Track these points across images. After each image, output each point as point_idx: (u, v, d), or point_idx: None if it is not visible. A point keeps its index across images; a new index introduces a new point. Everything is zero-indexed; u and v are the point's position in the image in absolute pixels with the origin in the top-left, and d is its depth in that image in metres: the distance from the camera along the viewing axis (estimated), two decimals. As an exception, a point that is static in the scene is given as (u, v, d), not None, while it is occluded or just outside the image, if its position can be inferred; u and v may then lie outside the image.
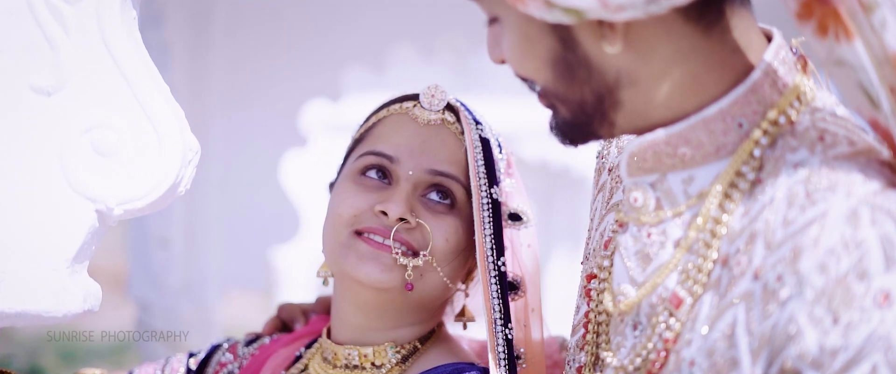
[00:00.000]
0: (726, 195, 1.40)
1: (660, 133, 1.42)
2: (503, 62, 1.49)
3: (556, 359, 2.02)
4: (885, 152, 1.36)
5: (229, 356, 2.06)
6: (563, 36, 1.39)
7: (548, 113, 1.52)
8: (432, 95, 1.90)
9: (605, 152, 1.76)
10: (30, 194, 1.52)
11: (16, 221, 1.51)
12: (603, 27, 1.36)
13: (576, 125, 1.45)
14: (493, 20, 1.47)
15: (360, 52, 3.69)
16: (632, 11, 1.30)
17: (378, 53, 3.69)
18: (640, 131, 1.45)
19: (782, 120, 1.40)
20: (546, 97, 1.47)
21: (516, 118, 5.33)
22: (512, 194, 1.89)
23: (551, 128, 1.50)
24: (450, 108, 1.90)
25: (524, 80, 1.47)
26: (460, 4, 3.64)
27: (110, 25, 1.52)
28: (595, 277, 1.60)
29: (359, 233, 1.83)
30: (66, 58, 1.52)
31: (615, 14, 1.30)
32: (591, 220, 1.74)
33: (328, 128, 5.03)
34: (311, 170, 5.01)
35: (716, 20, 1.38)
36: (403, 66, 3.88)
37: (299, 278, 6.16)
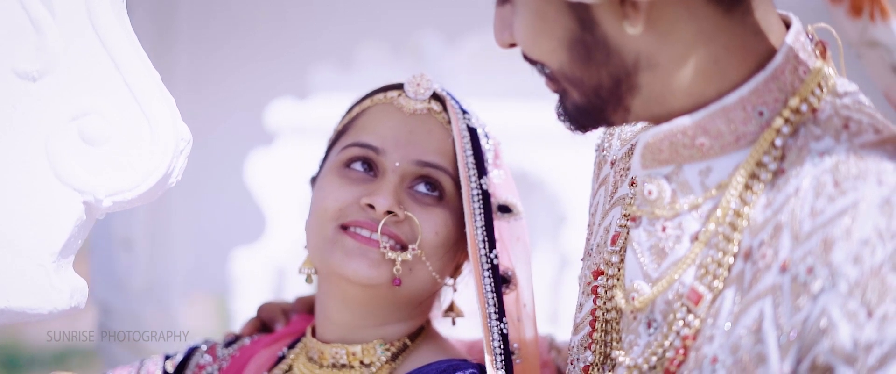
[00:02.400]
0: (747, 186, 1.39)
1: (677, 123, 1.40)
2: (512, 46, 1.47)
3: (544, 359, 2.03)
4: None
5: (208, 357, 2.03)
6: (582, 16, 1.37)
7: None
8: (418, 84, 1.89)
9: (606, 145, 1.75)
10: (14, 185, 1.48)
11: None
12: (625, 6, 1.35)
13: (588, 110, 1.44)
14: (504, 1, 1.46)
15: (328, 51, 3.67)
16: None
17: (346, 52, 3.67)
18: (655, 118, 1.43)
19: (804, 108, 1.39)
20: (556, 81, 1.45)
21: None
22: (501, 185, 1.89)
23: (559, 114, 1.48)
24: (436, 97, 1.89)
25: (533, 63, 1.45)
26: (430, 4, 3.65)
27: (99, 8, 1.48)
28: (602, 273, 1.59)
29: (344, 227, 1.82)
30: (52, 41, 1.48)
31: None
32: (592, 215, 1.72)
33: (295, 127, 5.02)
34: (277, 170, 5.01)
35: (738, 0, 1.37)
36: (371, 65, 3.88)
37: (264, 280, 6.13)
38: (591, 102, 1.43)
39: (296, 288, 7.22)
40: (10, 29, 1.48)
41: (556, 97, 1.48)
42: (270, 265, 6.29)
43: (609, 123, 1.46)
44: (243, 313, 6.79)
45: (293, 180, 5.35)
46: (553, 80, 1.45)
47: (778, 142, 1.38)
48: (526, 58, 1.45)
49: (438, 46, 3.88)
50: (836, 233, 1.28)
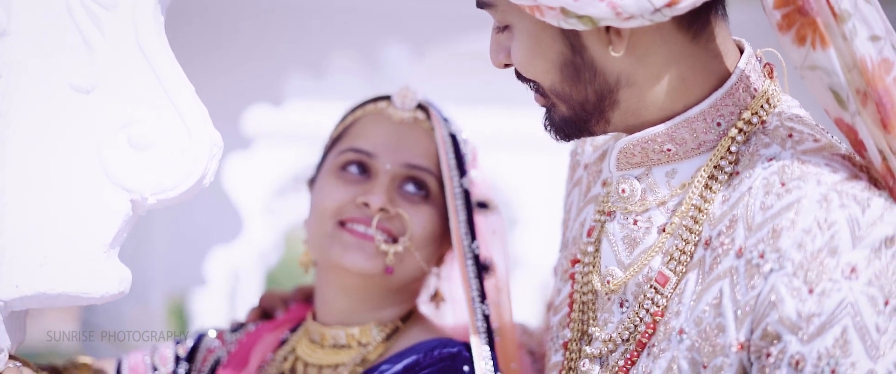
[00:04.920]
0: (707, 186, 1.55)
1: (649, 132, 1.57)
2: (506, 66, 1.62)
3: (519, 341, 2.16)
4: (844, 147, 1.54)
5: (217, 342, 2.17)
6: (573, 41, 1.53)
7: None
8: (404, 96, 2.05)
9: (579, 151, 1.91)
10: (70, 185, 1.58)
11: (57, 209, 1.58)
12: (610, 34, 1.50)
13: (574, 122, 1.59)
14: (502, 28, 1.60)
15: (302, 60, 3.77)
16: (640, 20, 1.44)
17: (318, 61, 3.77)
18: (630, 129, 1.59)
19: (755, 120, 1.56)
20: (546, 97, 1.60)
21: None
22: (479, 184, 2.05)
23: (546, 125, 1.64)
24: (420, 107, 2.06)
25: (525, 81, 1.61)
26: (399, 15, 3.78)
27: (144, 29, 1.60)
28: (578, 261, 1.75)
29: (342, 223, 1.97)
30: (102, 59, 1.60)
31: (625, 22, 1.45)
32: (567, 212, 1.90)
33: (270, 132, 5.05)
34: (253, 173, 5.05)
35: (702, 29, 1.54)
36: (343, 73, 3.97)
37: (221, 281, 6.17)
38: (578, 115, 1.58)
39: (252, 289, 7.24)
40: (67, 48, 1.59)
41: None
42: (226, 268, 6.32)
43: (591, 133, 1.61)
44: (202, 313, 6.83)
45: (268, 183, 5.43)
46: (543, 95, 1.60)
47: (733, 148, 1.55)
48: (519, 76, 1.60)
49: (404, 56, 4.00)
50: (783, 224, 1.44)
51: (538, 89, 1.60)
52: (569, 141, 1.65)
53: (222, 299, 6.82)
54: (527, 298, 6.51)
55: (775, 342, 1.43)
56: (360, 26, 3.76)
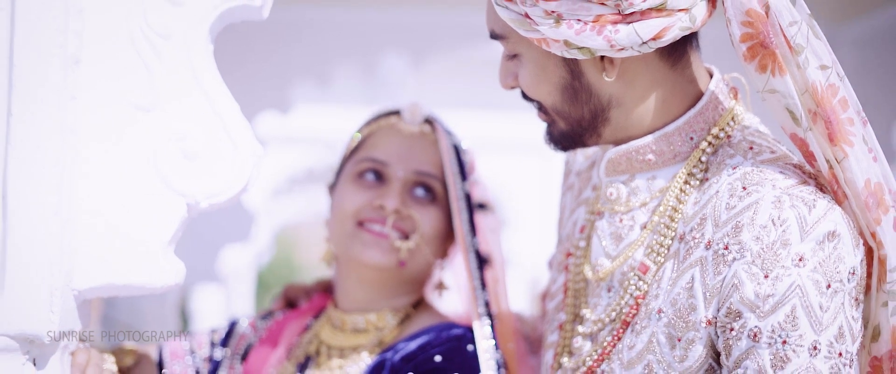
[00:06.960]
0: (682, 190, 1.73)
1: (634, 144, 1.76)
2: (512, 88, 1.81)
3: (514, 327, 2.33)
4: (796, 158, 1.73)
5: (249, 329, 2.36)
6: (573, 68, 1.71)
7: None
8: (413, 112, 2.26)
9: (572, 160, 2.10)
10: (133, 191, 1.72)
11: (123, 212, 1.72)
12: (604, 62, 1.69)
13: (571, 136, 1.78)
14: (511, 56, 1.78)
15: (307, 70, 3.92)
16: (629, 51, 1.64)
17: (323, 70, 3.92)
18: (617, 142, 1.78)
19: (722, 134, 1.74)
20: (547, 114, 1.78)
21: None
22: (478, 187, 2.26)
23: (547, 139, 1.82)
24: (427, 120, 2.26)
25: (530, 100, 1.79)
26: (397, 27, 3.95)
27: (197, 55, 1.75)
28: (571, 255, 1.94)
29: (360, 223, 2.16)
30: (160, 81, 1.73)
31: (617, 52, 1.64)
32: (561, 212, 2.10)
33: (279, 138, 5.21)
34: (262, 175, 5.13)
35: (680, 58, 1.73)
36: (346, 81, 4.10)
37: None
38: (574, 130, 1.76)
39: (245, 288, 7.32)
40: (129, 72, 1.73)
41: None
42: (227, 268, 6.43)
43: (584, 146, 1.79)
44: (200, 312, 6.95)
45: (276, 184, 5.54)
46: (545, 113, 1.78)
47: (703, 158, 1.73)
48: (525, 97, 1.78)
49: (402, 65, 4.13)
50: (744, 221, 1.61)
51: (541, 108, 1.78)
52: (565, 152, 1.84)
53: (218, 298, 6.93)
54: (517, 294, 6.64)
55: (737, 318, 1.61)
56: (361, 38, 3.91)
